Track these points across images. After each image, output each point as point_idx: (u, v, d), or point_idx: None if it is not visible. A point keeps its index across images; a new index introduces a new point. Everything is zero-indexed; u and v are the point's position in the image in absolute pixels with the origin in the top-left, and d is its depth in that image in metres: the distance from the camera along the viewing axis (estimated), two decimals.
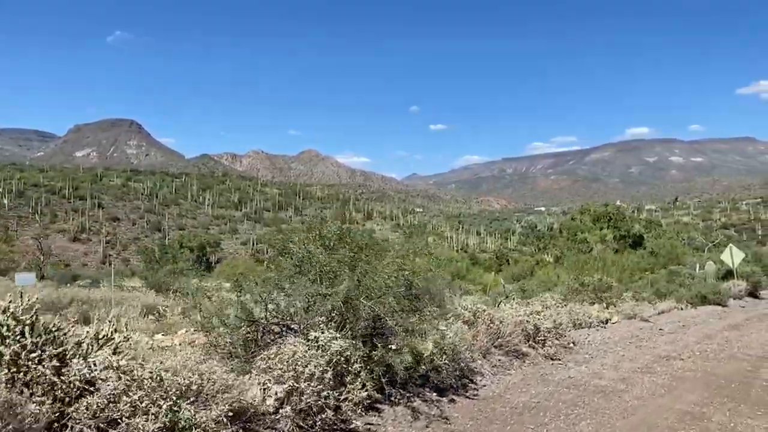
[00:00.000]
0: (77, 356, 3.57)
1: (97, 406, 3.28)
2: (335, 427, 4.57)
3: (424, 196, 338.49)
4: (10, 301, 3.64)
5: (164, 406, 3.42)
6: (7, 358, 3.37)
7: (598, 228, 43.22)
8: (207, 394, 4.06)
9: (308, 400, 4.10)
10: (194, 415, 3.62)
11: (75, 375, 3.36)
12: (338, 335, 4.84)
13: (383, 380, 5.40)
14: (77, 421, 3.31)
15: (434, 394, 5.99)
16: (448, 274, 32.98)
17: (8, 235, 69.92)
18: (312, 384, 4.18)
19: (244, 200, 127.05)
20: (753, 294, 23.19)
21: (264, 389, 4.49)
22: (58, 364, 3.39)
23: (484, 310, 8.17)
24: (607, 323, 12.60)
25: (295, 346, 4.51)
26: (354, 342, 5.20)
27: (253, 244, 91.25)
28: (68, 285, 22.60)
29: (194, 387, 3.95)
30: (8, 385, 3.22)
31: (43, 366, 3.36)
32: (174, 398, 3.70)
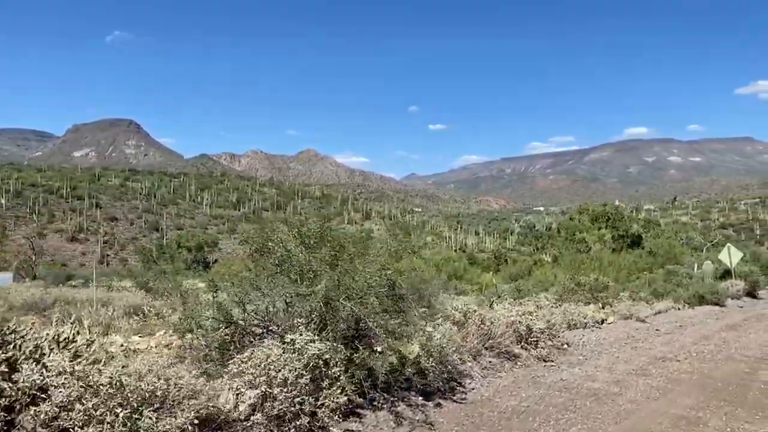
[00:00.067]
0: (30, 360, 3.35)
1: (47, 415, 3.06)
2: None
3: (422, 196, 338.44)
4: None
5: (121, 415, 3.21)
6: None
7: (596, 228, 43.01)
8: (173, 400, 3.84)
9: (280, 407, 3.88)
10: (155, 423, 3.41)
11: (24, 381, 3.14)
12: (317, 337, 4.62)
13: (366, 384, 5.19)
14: (26, 431, 3.10)
15: (420, 398, 5.77)
16: (445, 274, 32.78)
17: (5, 235, 69.59)
18: (285, 389, 3.96)
19: (243, 200, 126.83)
20: (751, 294, 23.02)
21: (237, 394, 4.28)
22: (6, 369, 3.17)
23: (475, 311, 7.94)
24: (602, 324, 12.39)
25: (269, 349, 4.29)
26: (335, 345, 4.98)
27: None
28: (60, 285, 22.39)
29: (159, 393, 3.73)
30: None
31: None
32: (135, 405, 3.49)
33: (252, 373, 4.07)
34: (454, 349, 6.78)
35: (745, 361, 8.78)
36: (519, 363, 7.88)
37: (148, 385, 3.71)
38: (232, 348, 5.40)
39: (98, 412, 3.15)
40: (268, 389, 4.03)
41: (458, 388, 6.39)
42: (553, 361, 8.24)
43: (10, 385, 3.14)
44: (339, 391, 4.55)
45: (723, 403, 6.18)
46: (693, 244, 44.90)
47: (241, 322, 5.38)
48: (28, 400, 3.20)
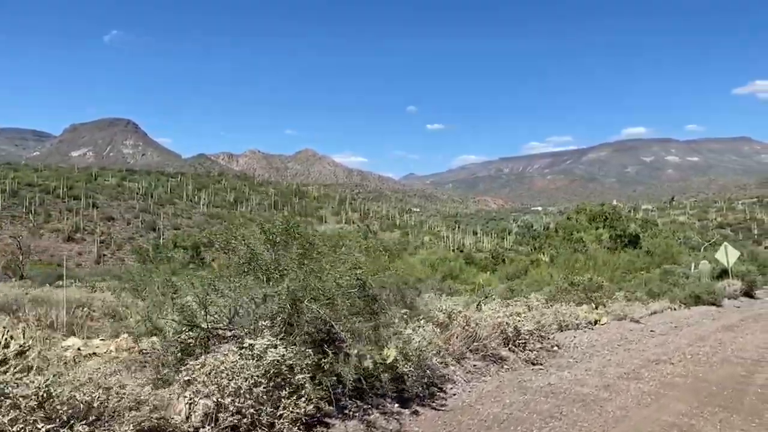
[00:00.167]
0: None
1: None
2: None
3: (421, 195, 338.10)
4: None
5: (43, 430, 2.87)
6: None
7: (594, 227, 42.73)
8: (114, 412, 3.51)
9: (231, 419, 3.55)
10: None
11: None
12: (279, 342, 4.29)
13: (336, 392, 4.86)
14: None
15: (396, 405, 5.43)
16: (441, 274, 32.47)
17: None
18: (238, 399, 3.63)
19: (240, 200, 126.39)
20: (748, 294, 22.75)
21: (189, 404, 3.94)
22: None
23: (460, 312, 7.61)
24: (595, 324, 12.07)
25: (224, 355, 3.96)
26: (302, 349, 4.65)
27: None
28: (48, 285, 22.01)
29: (96, 404, 3.40)
30: None
31: None
32: (65, 418, 3.16)
33: (203, 382, 3.74)
34: (435, 352, 6.46)
35: (741, 364, 8.46)
36: (505, 366, 7.55)
37: (83, 395, 3.38)
38: (197, 353, 5.07)
39: (14, 428, 2.81)
40: (220, 399, 3.70)
41: (439, 393, 6.06)
42: (541, 364, 7.92)
43: None
44: (304, 399, 4.22)
45: (718, 409, 5.86)
46: (690, 244, 44.69)
47: (204, 325, 5.05)
48: None
